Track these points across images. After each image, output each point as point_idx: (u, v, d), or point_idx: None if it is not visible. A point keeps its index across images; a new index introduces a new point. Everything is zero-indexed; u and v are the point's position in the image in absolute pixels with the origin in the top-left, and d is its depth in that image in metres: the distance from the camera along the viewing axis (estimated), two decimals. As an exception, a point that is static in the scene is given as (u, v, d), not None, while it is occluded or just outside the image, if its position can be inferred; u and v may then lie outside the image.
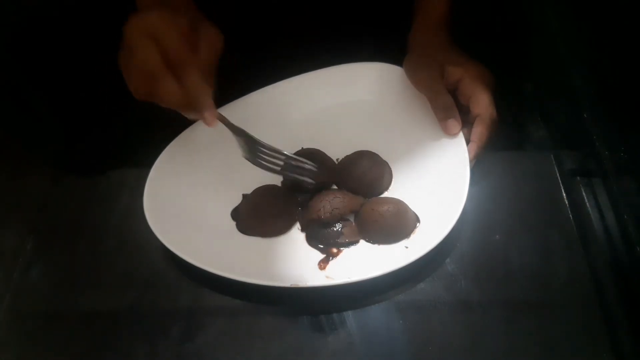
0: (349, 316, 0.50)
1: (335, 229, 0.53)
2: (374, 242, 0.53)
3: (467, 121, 0.56)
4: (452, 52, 0.58)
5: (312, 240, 0.53)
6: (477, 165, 0.55)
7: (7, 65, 0.65)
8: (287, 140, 0.60)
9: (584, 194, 0.56)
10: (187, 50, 0.46)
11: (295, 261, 0.52)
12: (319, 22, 0.67)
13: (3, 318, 0.52)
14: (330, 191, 0.57)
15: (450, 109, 0.55)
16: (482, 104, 0.54)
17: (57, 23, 0.66)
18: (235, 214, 0.56)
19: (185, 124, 0.59)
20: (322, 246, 0.53)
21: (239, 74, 0.63)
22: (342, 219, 0.54)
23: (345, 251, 0.52)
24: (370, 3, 0.67)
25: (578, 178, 0.57)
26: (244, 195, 0.57)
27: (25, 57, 0.65)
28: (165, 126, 0.57)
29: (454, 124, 0.55)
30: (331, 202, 0.54)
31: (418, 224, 0.53)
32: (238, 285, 0.48)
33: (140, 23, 0.45)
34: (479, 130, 0.54)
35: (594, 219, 0.54)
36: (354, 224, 0.54)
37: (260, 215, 0.54)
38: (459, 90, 0.56)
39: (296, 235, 0.54)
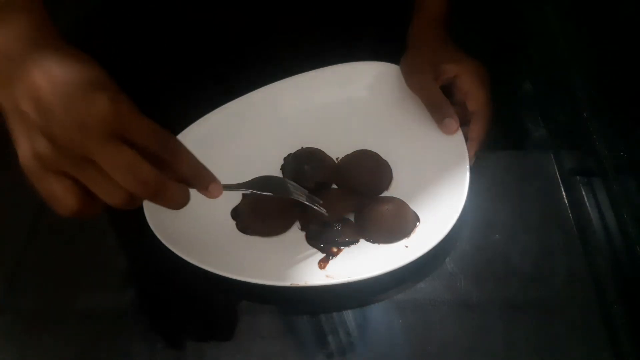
0: (349, 315, 0.50)
1: (335, 229, 0.53)
2: (374, 242, 0.53)
3: (464, 119, 0.56)
4: (449, 49, 0.58)
5: (312, 240, 0.53)
6: (477, 164, 0.55)
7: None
8: (286, 139, 0.60)
9: (583, 193, 0.56)
10: (159, 130, 0.37)
11: (295, 260, 0.52)
12: (319, 22, 0.67)
13: (3, 318, 0.52)
14: (330, 191, 0.57)
15: (445, 108, 0.55)
16: (479, 100, 0.55)
17: (57, 23, 0.65)
18: (235, 213, 0.56)
19: (184, 123, 0.59)
20: (322, 245, 0.53)
21: (238, 74, 0.63)
22: (341, 218, 0.54)
23: (345, 250, 0.52)
24: (370, 2, 0.67)
25: (578, 177, 0.57)
26: (244, 195, 0.57)
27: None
28: (164, 126, 0.57)
29: (451, 122, 0.55)
30: (330, 201, 0.54)
31: (418, 223, 0.53)
32: (238, 284, 0.48)
33: (95, 122, 0.33)
34: (477, 128, 0.55)
35: (593, 218, 0.54)
36: (354, 223, 0.54)
37: (260, 215, 0.54)
38: (456, 86, 0.56)
39: (296, 235, 0.54)
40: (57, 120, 0.33)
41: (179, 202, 0.38)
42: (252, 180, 0.51)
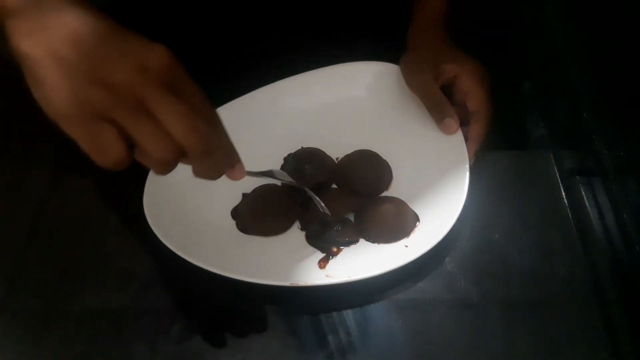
0: (349, 315, 0.50)
1: (335, 229, 0.53)
2: (373, 241, 0.53)
3: (464, 119, 0.56)
4: (449, 49, 0.58)
5: (311, 240, 0.53)
6: (477, 164, 0.55)
7: (6, 64, 0.65)
8: (286, 139, 0.60)
9: (583, 193, 0.56)
10: (204, 96, 0.36)
11: (295, 260, 0.52)
12: (319, 21, 0.67)
13: (3, 318, 0.52)
14: (330, 191, 0.57)
15: (445, 108, 0.56)
16: (479, 100, 0.55)
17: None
18: (235, 213, 0.56)
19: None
20: (321, 245, 0.52)
21: (238, 74, 0.63)
22: (341, 218, 0.54)
23: (345, 250, 0.52)
24: (370, 2, 0.67)
25: (577, 177, 0.57)
26: (244, 195, 0.57)
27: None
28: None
29: (451, 122, 0.55)
30: (331, 202, 0.54)
31: (418, 223, 0.53)
32: (238, 284, 0.48)
33: (156, 67, 0.33)
34: (477, 127, 0.55)
35: (593, 218, 0.54)
36: (354, 223, 0.54)
37: (260, 215, 0.54)
38: (456, 86, 0.56)
39: (296, 234, 0.54)
40: (113, 64, 0.32)
41: (218, 171, 0.38)
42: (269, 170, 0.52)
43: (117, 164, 0.34)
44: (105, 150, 0.33)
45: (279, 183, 0.54)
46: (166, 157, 0.35)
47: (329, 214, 0.52)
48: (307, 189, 0.53)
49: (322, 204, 0.52)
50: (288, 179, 0.53)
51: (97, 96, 0.32)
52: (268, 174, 0.52)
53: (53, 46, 0.32)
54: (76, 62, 0.32)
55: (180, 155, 0.35)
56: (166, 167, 0.36)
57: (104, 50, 0.32)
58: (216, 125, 0.37)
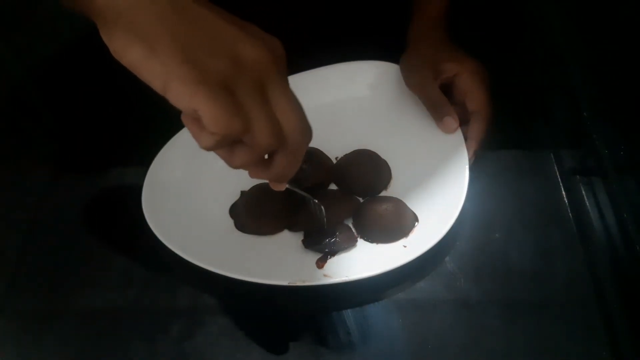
0: (348, 315, 0.50)
1: (332, 236, 0.52)
2: (372, 241, 0.52)
3: (463, 118, 0.56)
4: (449, 49, 0.58)
5: (310, 246, 0.53)
6: (477, 163, 0.55)
7: (6, 64, 0.65)
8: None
9: (583, 192, 0.56)
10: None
11: (294, 260, 0.52)
12: (319, 21, 0.67)
13: (3, 318, 0.52)
14: (328, 192, 0.57)
15: (444, 107, 0.56)
16: (479, 100, 0.55)
17: (56, 23, 0.66)
18: (233, 211, 0.56)
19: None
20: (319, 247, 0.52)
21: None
22: (338, 225, 0.53)
23: (344, 250, 0.52)
24: (370, 1, 0.67)
25: (578, 177, 0.57)
26: (242, 192, 0.57)
27: (25, 56, 0.66)
28: (163, 125, 0.57)
29: (451, 121, 0.55)
30: (329, 203, 0.54)
31: (416, 223, 0.53)
32: (237, 283, 0.48)
33: (280, 53, 0.34)
34: (476, 127, 0.55)
35: (593, 218, 0.54)
36: (351, 227, 0.54)
37: (257, 214, 0.54)
38: (455, 86, 0.56)
39: (294, 234, 0.54)
40: (246, 38, 0.32)
41: (290, 174, 0.39)
42: None
43: (236, 134, 0.33)
44: (231, 116, 0.32)
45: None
46: (268, 143, 0.34)
47: (325, 224, 0.52)
48: (313, 201, 0.52)
49: (324, 215, 0.52)
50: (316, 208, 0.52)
51: (222, 64, 0.32)
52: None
53: (164, 9, 0.31)
54: (195, 28, 0.32)
55: (277, 146, 0.35)
56: (258, 155, 0.35)
57: (227, 23, 0.33)
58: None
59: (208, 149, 0.34)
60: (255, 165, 0.38)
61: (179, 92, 0.31)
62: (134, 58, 0.32)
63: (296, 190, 0.49)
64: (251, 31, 0.34)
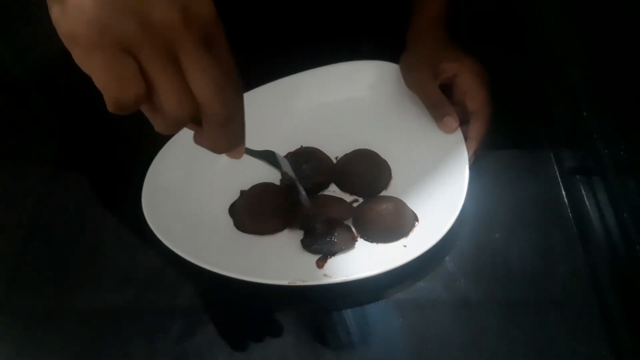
0: (348, 314, 0.50)
1: (330, 237, 0.52)
2: (372, 241, 0.52)
3: (463, 118, 0.56)
4: (449, 49, 0.58)
5: (308, 247, 0.53)
6: (477, 163, 0.55)
7: (7, 64, 0.65)
8: (285, 138, 0.60)
9: (583, 192, 0.56)
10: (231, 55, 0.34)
11: (294, 259, 0.52)
12: (319, 21, 0.67)
13: (3, 317, 0.52)
14: (325, 198, 0.57)
15: (444, 106, 0.56)
16: (479, 100, 0.55)
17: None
18: (232, 210, 0.56)
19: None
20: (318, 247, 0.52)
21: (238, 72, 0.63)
22: (337, 225, 0.53)
23: (344, 250, 0.52)
24: (370, 1, 0.67)
25: (577, 176, 0.57)
26: (242, 192, 0.57)
27: (25, 55, 0.66)
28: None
29: (451, 121, 0.55)
30: (329, 203, 0.54)
31: (416, 223, 0.53)
32: (237, 283, 0.48)
33: (199, 18, 0.31)
34: (477, 127, 0.55)
35: (593, 218, 0.54)
36: (351, 227, 0.54)
37: (256, 214, 0.54)
38: (455, 86, 0.56)
39: (294, 234, 0.54)
40: (159, 2, 0.29)
41: (226, 145, 0.35)
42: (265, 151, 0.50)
43: (133, 101, 0.30)
44: (123, 82, 0.30)
45: (275, 171, 0.51)
46: (180, 115, 0.32)
47: (310, 208, 0.51)
48: (297, 183, 0.51)
49: (306, 198, 0.51)
50: (287, 167, 0.51)
51: (128, 27, 0.29)
52: (267, 156, 0.49)
53: None
54: None
55: (193, 116, 0.32)
56: (173, 126, 0.33)
57: None
58: (239, 96, 0.35)
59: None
60: (195, 132, 0.35)
61: (77, 56, 0.30)
62: (54, 19, 0.30)
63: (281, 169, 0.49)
64: None
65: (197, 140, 0.36)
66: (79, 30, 0.29)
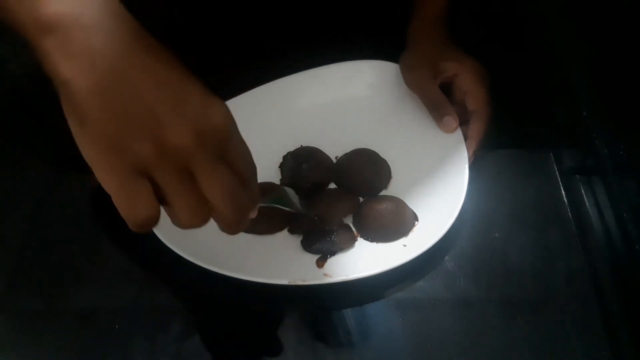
0: (348, 314, 0.50)
1: (330, 237, 0.52)
2: (372, 240, 0.53)
3: (463, 118, 0.56)
4: (448, 48, 0.58)
5: (308, 247, 0.53)
6: (476, 163, 0.55)
7: (6, 64, 0.65)
8: (285, 138, 0.60)
9: (583, 192, 0.56)
10: (251, 159, 0.35)
11: (294, 259, 0.52)
12: (318, 20, 0.67)
13: (3, 316, 0.52)
14: (328, 191, 0.57)
15: (444, 106, 0.56)
16: (479, 99, 0.55)
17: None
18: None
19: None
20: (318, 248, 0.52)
21: (238, 72, 0.63)
22: (337, 225, 0.53)
23: (344, 249, 0.52)
24: (369, 1, 0.67)
25: (577, 176, 0.57)
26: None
27: (25, 56, 0.65)
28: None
29: (450, 120, 0.55)
30: (329, 202, 0.54)
31: (416, 222, 0.53)
32: (237, 282, 0.48)
33: (213, 135, 0.31)
34: (476, 127, 0.55)
35: (593, 217, 0.54)
36: (351, 226, 0.54)
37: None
38: (455, 85, 0.56)
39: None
40: (169, 121, 0.29)
41: (243, 229, 0.36)
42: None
43: (146, 223, 0.31)
44: (137, 207, 0.31)
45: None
46: (194, 224, 0.33)
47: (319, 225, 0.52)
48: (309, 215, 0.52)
49: (317, 224, 0.52)
50: (296, 200, 0.51)
51: (144, 152, 0.30)
52: (277, 199, 0.49)
53: (101, 80, 0.29)
54: (127, 106, 0.29)
55: (207, 221, 0.34)
56: (189, 228, 0.34)
57: (161, 99, 0.30)
58: (253, 188, 0.35)
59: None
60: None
61: (97, 176, 0.31)
62: (75, 137, 0.31)
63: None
64: (182, 103, 0.30)
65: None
66: (98, 155, 0.30)
